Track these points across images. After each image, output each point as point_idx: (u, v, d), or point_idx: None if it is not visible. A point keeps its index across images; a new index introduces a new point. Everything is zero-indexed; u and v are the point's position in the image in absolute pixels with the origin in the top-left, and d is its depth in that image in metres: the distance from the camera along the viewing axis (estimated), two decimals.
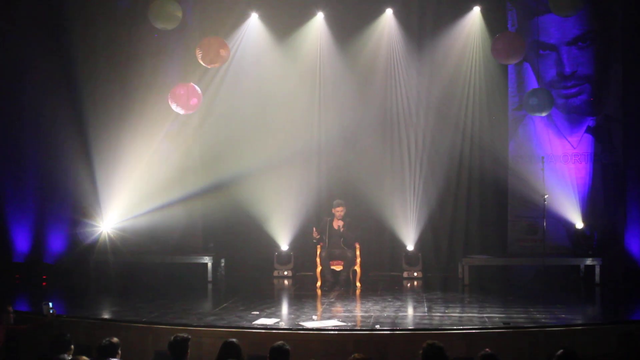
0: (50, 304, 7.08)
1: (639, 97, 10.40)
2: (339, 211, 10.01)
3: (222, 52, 10.06)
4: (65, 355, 5.50)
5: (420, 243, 10.89)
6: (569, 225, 10.55)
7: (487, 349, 5.09)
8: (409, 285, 10.34)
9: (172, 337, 5.51)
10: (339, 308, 8.39)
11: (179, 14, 9.72)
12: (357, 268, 9.99)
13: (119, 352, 5.53)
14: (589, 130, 10.72)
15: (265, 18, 11.13)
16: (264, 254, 11.08)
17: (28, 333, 6.97)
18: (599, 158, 10.65)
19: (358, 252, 9.98)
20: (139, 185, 11.14)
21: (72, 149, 11.18)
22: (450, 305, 8.42)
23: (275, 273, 10.89)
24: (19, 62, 10.91)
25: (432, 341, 4.93)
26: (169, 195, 11.12)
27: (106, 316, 7.95)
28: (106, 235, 11.05)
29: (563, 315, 7.71)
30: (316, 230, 9.93)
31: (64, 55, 11.00)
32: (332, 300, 8.95)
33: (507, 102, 10.99)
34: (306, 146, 11.19)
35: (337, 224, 10.01)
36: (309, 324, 7.23)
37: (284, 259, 10.96)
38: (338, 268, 9.93)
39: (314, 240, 9.97)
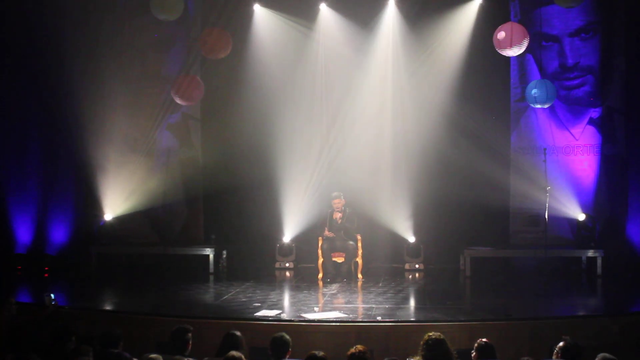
0: (52, 295, 7.07)
1: None
2: (337, 203, 9.99)
3: (222, 47, 10.10)
4: (67, 346, 5.50)
5: (421, 235, 10.87)
6: (571, 217, 10.54)
7: (483, 339, 5.09)
8: (410, 277, 10.35)
9: (173, 329, 5.52)
10: (340, 300, 8.39)
11: (181, 5, 9.68)
12: (359, 260, 9.99)
13: (121, 343, 5.54)
14: (591, 121, 10.69)
15: (268, 8, 11.07)
16: (265, 246, 11.08)
17: (30, 324, 6.97)
18: (601, 150, 10.62)
19: (360, 244, 9.98)
20: (141, 176, 11.16)
21: (74, 140, 11.18)
22: (452, 296, 8.42)
23: (277, 265, 10.89)
24: (21, 54, 10.89)
25: (433, 333, 4.94)
26: (170, 186, 11.13)
27: (108, 307, 7.97)
28: (108, 226, 11.08)
29: (565, 307, 7.71)
30: (328, 230, 9.95)
31: (67, 47, 10.98)
32: (334, 291, 8.95)
33: (509, 94, 10.94)
34: (308, 138, 11.15)
35: (337, 215, 10.00)
36: (310, 316, 7.23)
37: (286, 251, 10.96)
38: (340, 260, 9.92)
39: (327, 237, 10.00)
